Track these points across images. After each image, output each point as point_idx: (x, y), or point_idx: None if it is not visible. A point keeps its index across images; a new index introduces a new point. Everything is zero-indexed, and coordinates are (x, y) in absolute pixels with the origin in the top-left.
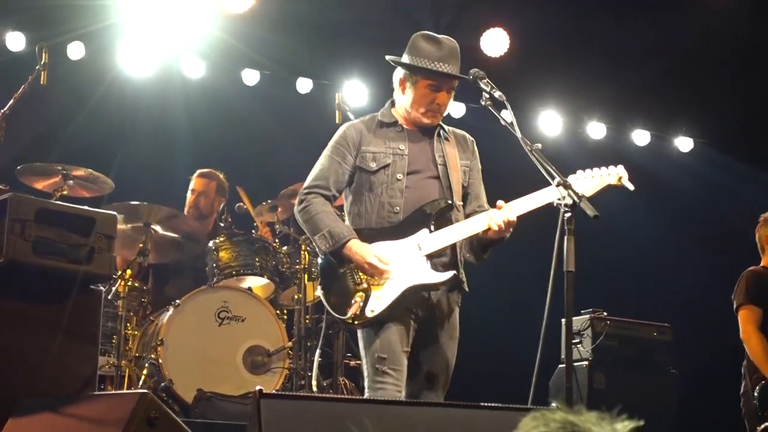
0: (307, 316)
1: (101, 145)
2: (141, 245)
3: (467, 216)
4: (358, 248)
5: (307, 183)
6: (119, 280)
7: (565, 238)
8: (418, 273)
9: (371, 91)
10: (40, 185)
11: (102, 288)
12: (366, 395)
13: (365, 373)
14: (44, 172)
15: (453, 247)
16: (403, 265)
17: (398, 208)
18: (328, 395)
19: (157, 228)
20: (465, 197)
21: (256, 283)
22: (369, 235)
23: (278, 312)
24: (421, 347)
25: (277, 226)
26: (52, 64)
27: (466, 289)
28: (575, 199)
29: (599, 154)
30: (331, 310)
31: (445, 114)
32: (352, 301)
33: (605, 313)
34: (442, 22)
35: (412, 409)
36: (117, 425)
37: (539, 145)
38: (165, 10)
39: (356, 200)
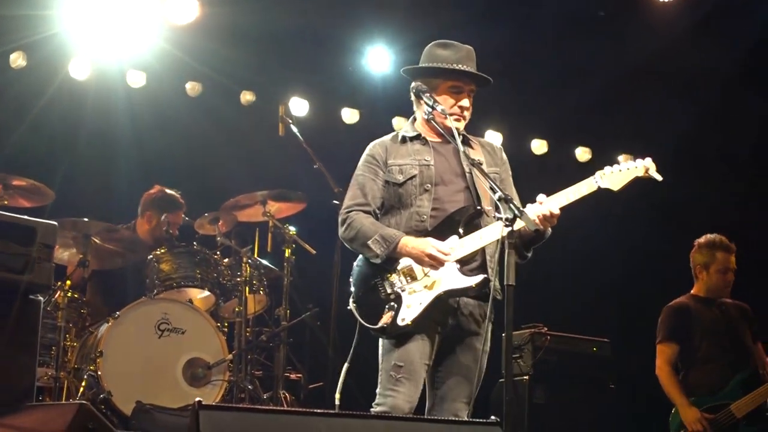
0: (248, 329)
1: (44, 156)
2: (81, 256)
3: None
4: (414, 243)
5: (345, 205)
6: (58, 291)
7: (506, 252)
8: (449, 279)
9: (313, 103)
10: None
11: (41, 298)
12: (375, 403)
13: (379, 381)
14: None
15: (483, 253)
16: (434, 272)
17: (426, 216)
18: (267, 407)
19: (96, 239)
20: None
21: (196, 295)
22: None
23: (219, 324)
24: (448, 357)
25: (218, 239)
26: None
27: (498, 297)
28: (516, 213)
29: (542, 169)
30: (363, 321)
31: (468, 118)
32: (384, 311)
33: (545, 328)
34: (384, 37)
35: (353, 421)
36: None
37: (482, 160)
38: (109, 20)
39: (386, 213)
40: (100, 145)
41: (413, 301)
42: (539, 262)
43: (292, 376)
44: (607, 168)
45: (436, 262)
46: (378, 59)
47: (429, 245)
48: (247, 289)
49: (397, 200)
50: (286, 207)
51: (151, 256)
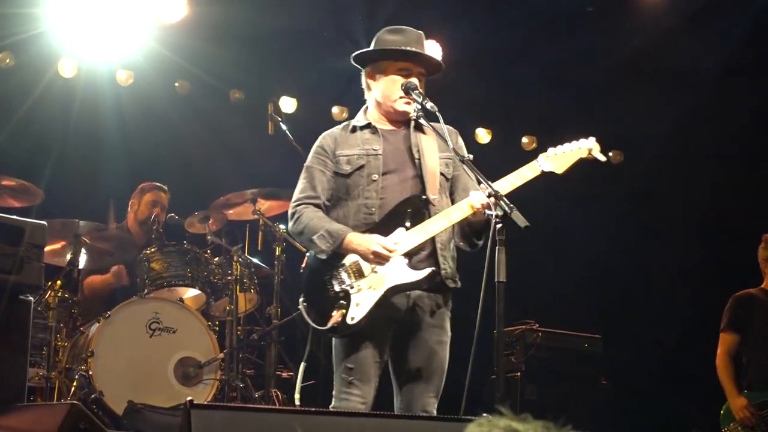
0: (239, 328)
1: (32, 156)
2: (71, 255)
3: None
4: (359, 239)
5: (294, 198)
6: (49, 291)
7: (497, 248)
8: (397, 273)
9: (302, 101)
10: None
11: (31, 298)
12: (332, 406)
13: (334, 383)
14: None
15: (432, 244)
16: (381, 268)
17: (374, 209)
18: (258, 406)
19: (86, 239)
20: (453, 188)
21: (187, 294)
22: None
23: (210, 323)
24: (408, 353)
25: (209, 237)
26: None
27: (449, 286)
28: (506, 209)
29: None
30: (311, 322)
31: (420, 103)
32: (333, 311)
33: (537, 325)
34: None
35: (347, 419)
36: None
37: (471, 156)
38: (97, 19)
39: (335, 205)
40: (89, 145)
41: (362, 298)
42: (530, 259)
43: (284, 374)
44: (551, 150)
45: (381, 259)
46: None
47: (374, 242)
48: (237, 287)
49: (345, 192)
50: (277, 205)
51: (141, 256)
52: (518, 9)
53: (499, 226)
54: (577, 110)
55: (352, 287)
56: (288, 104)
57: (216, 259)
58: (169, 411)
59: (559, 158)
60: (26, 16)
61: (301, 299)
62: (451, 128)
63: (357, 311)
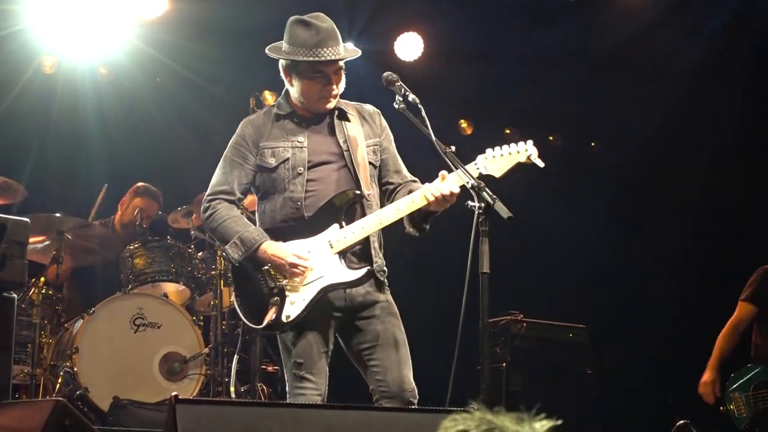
0: (224, 322)
1: (12, 153)
2: (54, 252)
3: (393, 191)
4: (274, 249)
5: (209, 190)
6: (32, 288)
7: (480, 239)
8: (332, 272)
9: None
10: None
11: (15, 295)
12: (288, 401)
13: (286, 378)
14: None
15: (366, 239)
16: (316, 265)
17: (300, 203)
18: (244, 400)
19: (69, 235)
20: (383, 173)
21: (171, 289)
22: (278, 234)
23: (194, 318)
24: (359, 335)
25: (192, 232)
26: None
27: (381, 279)
28: (489, 200)
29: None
30: (245, 320)
31: (340, 93)
32: (267, 308)
33: (521, 315)
34: (356, 26)
35: (330, 412)
36: None
37: (453, 148)
38: (76, 15)
39: (262, 198)
40: (70, 142)
41: (297, 297)
42: (512, 250)
43: (269, 368)
44: (489, 151)
45: (297, 271)
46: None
47: (289, 254)
48: (222, 282)
49: (271, 185)
50: None
51: (125, 252)
52: (498, 1)
53: (482, 217)
54: (561, 102)
55: (285, 284)
56: (270, 99)
57: (200, 254)
58: (154, 406)
59: (497, 161)
60: (5, 12)
61: (233, 295)
62: (373, 108)
63: (292, 309)
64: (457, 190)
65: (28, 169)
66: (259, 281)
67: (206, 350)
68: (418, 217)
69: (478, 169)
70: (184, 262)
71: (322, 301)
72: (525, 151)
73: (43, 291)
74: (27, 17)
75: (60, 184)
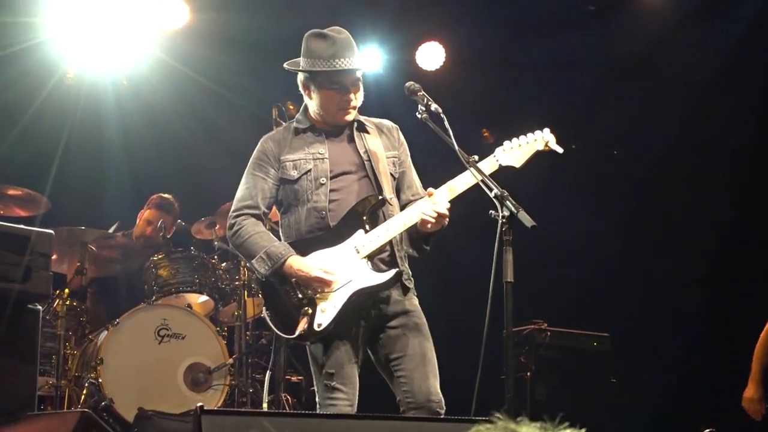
0: (248, 333)
1: (35, 164)
2: (78, 264)
3: (403, 207)
4: (299, 264)
5: (234, 206)
6: (57, 299)
7: (504, 249)
8: (361, 277)
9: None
10: None
11: (40, 307)
12: (317, 411)
13: (316, 389)
14: None
15: (391, 244)
16: (344, 272)
17: (324, 212)
18: (269, 410)
19: (92, 246)
20: (399, 188)
21: (195, 300)
22: (304, 246)
23: (218, 329)
24: (387, 345)
25: (216, 243)
26: None
27: (409, 286)
28: (513, 210)
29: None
30: (278, 332)
31: (359, 105)
32: (299, 319)
33: (545, 324)
34: (377, 36)
35: (355, 422)
36: None
37: (476, 157)
38: (98, 26)
39: (285, 212)
40: (92, 154)
41: (327, 305)
42: (536, 259)
43: (293, 378)
44: (506, 143)
45: (323, 284)
46: (370, 60)
47: (314, 268)
48: (245, 292)
49: (294, 197)
50: None
51: (148, 263)
52: (518, 10)
53: (506, 227)
54: (583, 109)
55: (315, 293)
56: (293, 109)
57: (223, 264)
58: (179, 417)
59: (515, 151)
60: (26, 25)
61: (264, 308)
62: (392, 124)
63: (323, 317)
64: (444, 209)
65: (51, 181)
66: (288, 293)
67: (230, 361)
68: (417, 238)
69: (497, 161)
70: (207, 273)
71: (352, 310)
72: (542, 138)
73: (68, 302)
74: (48, 30)
75: (82, 195)
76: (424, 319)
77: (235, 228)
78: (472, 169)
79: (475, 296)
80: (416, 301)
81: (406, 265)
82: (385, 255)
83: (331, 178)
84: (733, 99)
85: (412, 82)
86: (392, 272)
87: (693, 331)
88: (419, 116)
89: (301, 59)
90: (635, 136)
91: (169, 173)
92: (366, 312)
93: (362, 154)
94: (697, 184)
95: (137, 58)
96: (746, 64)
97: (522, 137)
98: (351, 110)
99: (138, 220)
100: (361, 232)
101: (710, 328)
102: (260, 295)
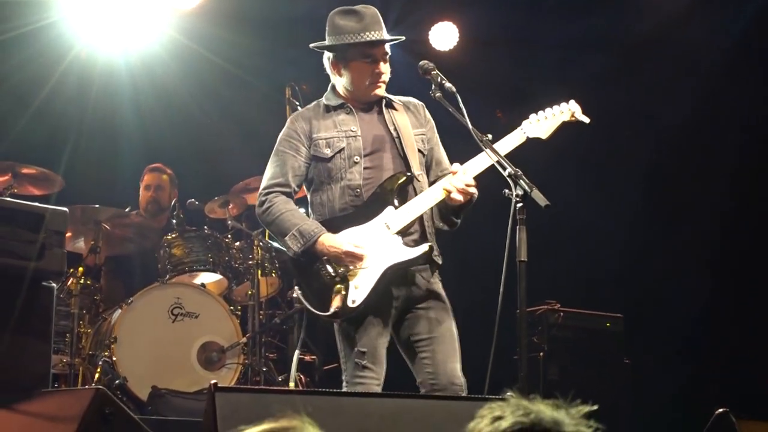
0: (261, 312)
1: (49, 143)
2: (92, 242)
3: (432, 183)
4: (331, 241)
5: (264, 183)
6: (71, 278)
7: (517, 228)
8: (392, 252)
9: (321, 85)
10: None
11: (54, 285)
12: (345, 389)
13: (344, 368)
14: None
15: (421, 220)
16: (376, 248)
17: (359, 189)
18: (283, 388)
19: (107, 225)
20: (428, 165)
21: (209, 279)
22: (335, 224)
23: (232, 308)
24: (414, 325)
25: (229, 222)
26: None
27: (439, 262)
28: (526, 189)
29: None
30: (312, 309)
31: (388, 80)
32: (333, 296)
33: (558, 305)
34: (390, 16)
35: (368, 400)
36: (72, 421)
37: (490, 136)
38: (112, 5)
39: (317, 189)
40: (106, 133)
41: (360, 281)
42: (548, 239)
43: (307, 357)
44: (533, 116)
45: (355, 259)
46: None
47: (346, 242)
48: (259, 271)
49: (327, 175)
50: None
51: (162, 241)
52: None
53: (519, 205)
54: (596, 90)
55: (348, 270)
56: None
57: (237, 243)
58: (192, 395)
59: (542, 123)
60: (39, 4)
61: (296, 286)
62: (418, 101)
63: (357, 294)
64: (471, 181)
65: (65, 160)
66: (320, 271)
67: (244, 340)
68: (447, 211)
69: (525, 133)
70: (221, 252)
71: (384, 290)
72: (569, 110)
73: (81, 281)
74: (62, 9)
75: (96, 174)
76: (449, 303)
77: (266, 205)
78: (485, 147)
79: (489, 276)
80: (440, 285)
81: (435, 242)
82: (415, 233)
83: (365, 156)
84: (746, 80)
85: (425, 61)
86: (425, 246)
87: (706, 311)
88: (433, 95)
89: (327, 39)
90: (647, 116)
91: (183, 152)
92: (397, 291)
93: (392, 131)
94: (710, 164)
95: (151, 38)
96: (759, 46)
97: (548, 109)
98: (381, 84)
99: (140, 196)
100: (390, 208)
101: (723, 308)
102: (293, 273)
